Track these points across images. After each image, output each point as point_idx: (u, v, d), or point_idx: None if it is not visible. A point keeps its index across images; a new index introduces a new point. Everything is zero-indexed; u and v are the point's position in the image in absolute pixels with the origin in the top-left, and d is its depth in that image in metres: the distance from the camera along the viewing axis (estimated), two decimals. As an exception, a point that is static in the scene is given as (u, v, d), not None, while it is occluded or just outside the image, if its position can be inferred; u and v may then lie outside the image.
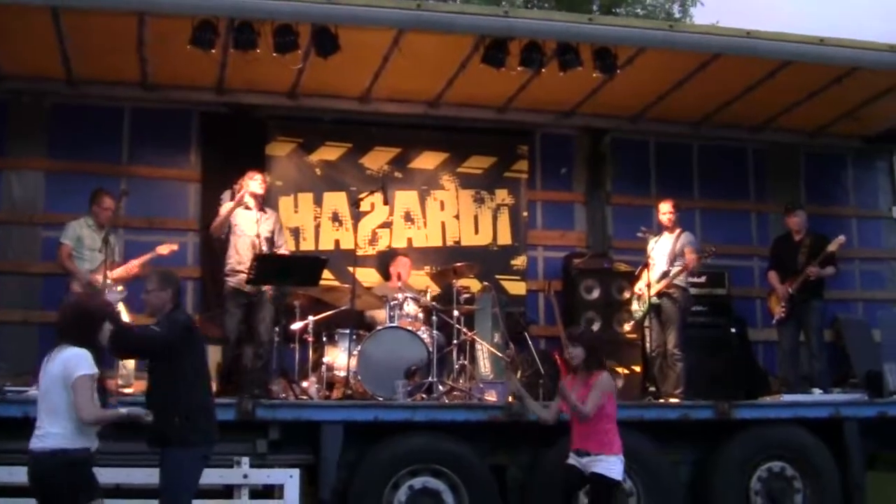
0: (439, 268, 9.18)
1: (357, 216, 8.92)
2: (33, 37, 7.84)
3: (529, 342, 8.75)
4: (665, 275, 8.54)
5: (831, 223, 9.81)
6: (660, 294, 8.51)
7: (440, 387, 7.79)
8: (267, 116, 9.43)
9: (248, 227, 8.02)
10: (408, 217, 9.69)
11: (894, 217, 10.94)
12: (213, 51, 7.59)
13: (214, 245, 8.44)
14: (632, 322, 8.97)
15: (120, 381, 7.69)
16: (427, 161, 9.80)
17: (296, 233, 9.32)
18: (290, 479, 6.59)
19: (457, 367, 8.20)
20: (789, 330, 8.73)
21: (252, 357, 7.85)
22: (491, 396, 7.87)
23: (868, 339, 9.89)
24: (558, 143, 10.25)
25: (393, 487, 6.78)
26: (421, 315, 8.31)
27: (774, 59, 8.30)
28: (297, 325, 8.10)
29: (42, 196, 8.97)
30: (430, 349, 7.83)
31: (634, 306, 8.81)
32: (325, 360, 7.99)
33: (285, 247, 8.39)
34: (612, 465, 5.82)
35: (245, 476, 6.55)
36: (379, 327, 8.08)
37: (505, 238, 9.90)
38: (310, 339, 8.14)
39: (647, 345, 8.64)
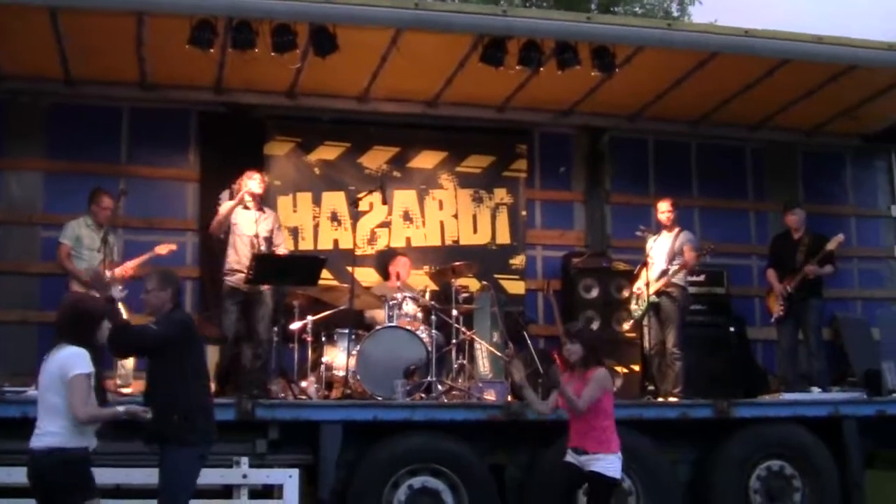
0: (438, 267, 9.18)
1: (356, 216, 8.91)
2: (31, 37, 7.84)
3: (528, 341, 8.76)
4: (664, 273, 8.54)
5: (830, 222, 9.83)
6: (659, 293, 8.52)
7: (439, 386, 7.78)
8: (265, 116, 9.42)
9: (247, 226, 8.02)
10: (406, 216, 9.69)
11: (893, 216, 10.94)
12: (212, 50, 7.59)
13: (213, 245, 8.44)
14: (631, 321, 8.97)
15: (118, 381, 7.70)
16: (426, 160, 9.80)
17: (294, 232, 9.31)
18: (289, 479, 6.60)
19: (456, 366, 8.19)
20: (788, 328, 8.74)
21: (251, 357, 7.85)
22: (490, 396, 7.88)
23: (867, 338, 9.89)
24: (557, 142, 10.25)
25: (392, 487, 6.78)
26: (420, 314, 8.31)
27: (772, 57, 8.31)
28: (295, 325, 8.10)
29: (41, 196, 8.97)
30: (429, 349, 7.83)
31: (633, 306, 8.82)
32: (324, 359, 7.99)
33: (284, 246, 8.39)
34: (610, 464, 5.79)
35: (244, 476, 6.55)
36: (378, 327, 8.08)
37: (504, 237, 9.90)
38: (309, 338, 8.14)
39: (646, 343, 8.64)
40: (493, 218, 9.89)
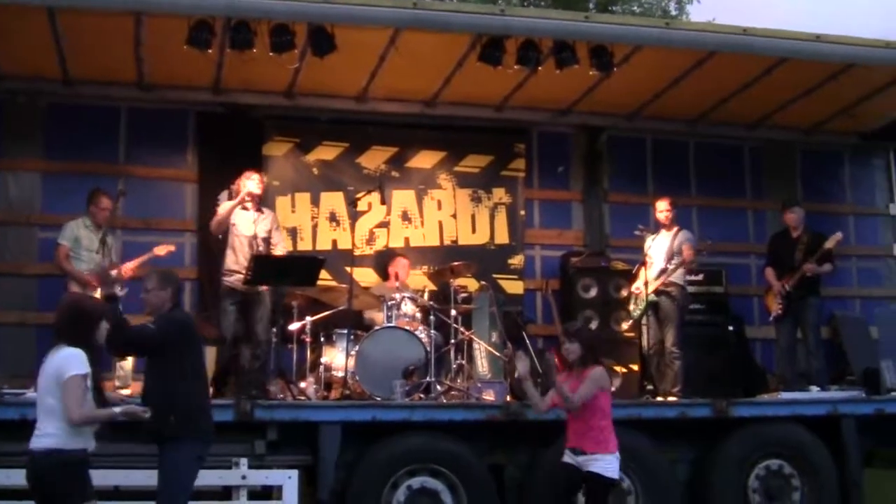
0: (437, 267, 9.18)
1: (354, 216, 8.89)
2: (29, 36, 7.83)
3: (527, 341, 8.74)
4: (663, 272, 8.54)
5: (828, 220, 9.83)
6: (658, 292, 8.52)
7: (438, 386, 7.78)
8: (264, 116, 9.42)
9: (246, 227, 8.01)
10: (405, 216, 9.68)
11: (891, 214, 10.95)
12: (210, 50, 7.58)
13: (212, 245, 8.43)
14: (630, 321, 8.97)
15: (117, 383, 7.69)
16: (424, 160, 9.80)
17: (293, 233, 9.31)
18: (288, 480, 6.59)
19: (455, 366, 8.19)
20: (786, 327, 8.74)
21: (249, 358, 7.84)
22: (489, 396, 7.87)
23: (865, 337, 9.89)
24: (555, 142, 10.25)
25: (391, 487, 6.77)
26: (419, 315, 8.30)
27: (770, 56, 8.31)
28: (294, 326, 8.08)
29: (39, 197, 8.96)
30: (428, 349, 7.82)
31: (632, 306, 8.81)
32: (322, 360, 7.99)
33: (282, 246, 8.38)
34: (608, 464, 5.78)
35: (243, 477, 6.54)
36: (376, 327, 8.08)
37: (502, 237, 9.90)
38: (307, 339, 8.13)
39: (645, 342, 8.64)
40: (492, 218, 9.89)
